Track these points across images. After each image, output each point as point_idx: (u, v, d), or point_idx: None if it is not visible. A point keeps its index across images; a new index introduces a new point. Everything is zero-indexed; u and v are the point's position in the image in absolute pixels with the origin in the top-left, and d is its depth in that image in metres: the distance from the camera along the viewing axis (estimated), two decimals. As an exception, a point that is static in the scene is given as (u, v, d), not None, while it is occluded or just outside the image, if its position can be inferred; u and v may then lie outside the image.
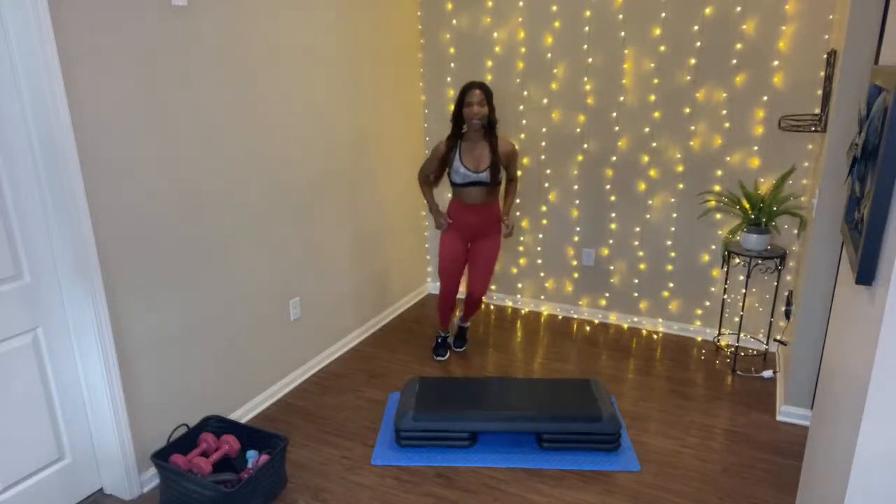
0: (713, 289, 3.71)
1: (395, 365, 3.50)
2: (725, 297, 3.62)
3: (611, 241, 3.91)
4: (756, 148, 3.39)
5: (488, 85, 3.16)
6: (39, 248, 2.15)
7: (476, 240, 3.38)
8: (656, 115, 3.57)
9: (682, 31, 3.40)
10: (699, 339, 3.81)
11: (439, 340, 3.62)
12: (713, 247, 3.64)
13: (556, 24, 3.68)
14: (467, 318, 3.69)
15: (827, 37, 3.10)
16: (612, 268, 3.96)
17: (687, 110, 3.50)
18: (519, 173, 4.01)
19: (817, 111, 3.18)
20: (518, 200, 4.10)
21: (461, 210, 3.31)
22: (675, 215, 3.68)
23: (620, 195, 3.80)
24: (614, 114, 3.68)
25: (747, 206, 3.26)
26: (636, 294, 3.94)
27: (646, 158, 3.67)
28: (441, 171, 3.32)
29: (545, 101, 3.84)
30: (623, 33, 3.54)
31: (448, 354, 3.60)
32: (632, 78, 3.58)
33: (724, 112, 3.41)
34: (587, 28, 3.61)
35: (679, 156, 3.59)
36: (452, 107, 3.24)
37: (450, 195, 3.38)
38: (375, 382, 3.31)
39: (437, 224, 3.38)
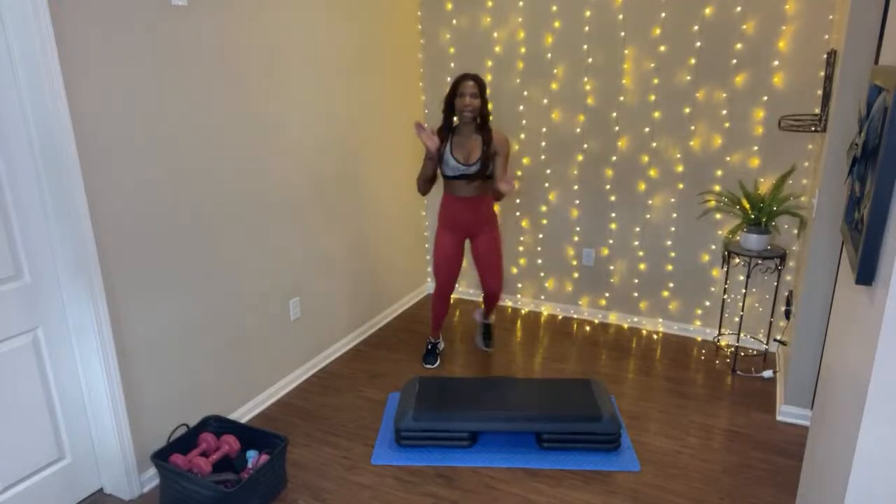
0: (713, 289, 3.71)
1: (395, 365, 3.50)
2: (725, 297, 3.62)
3: (611, 241, 3.91)
4: (756, 148, 3.39)
5: (482, 78, 3.08)
6: (39, 248, 2.15)
7: (473, 236, 3.34)
8: (656, 115, 3.57)
9: (682, 31, 3.40)
10: (699, 339, 3.81)
11: (429, 347, 3.56)
12: (713, 247, 3.64)
13: (556, 24, 3.68)
14: (489, 314, 3.63)
15: (827, 37, 3.10)
16: (612, 268, 3.96)
17: (687, 110, 3.50)
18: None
19: (817, 111, 3.18)
20: (518, 200, 4.09)
21: (453, 204, 3.25)
22: (675, 215, 3.68)
23: (620, 195, 3.80)
24: (614, 114, 3.68)
25: (747, 206, 3.26)
26: (636, 294, 3.94)
27: (646, 158, 3.67)
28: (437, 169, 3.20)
29: (545, 101, 3.84)
30: (623, 33, 3.54)
31: (438, 362, 3.53)
32: (632, 78, 3.58)
33: (724, 112, 3.41)
34: (587, 28, 3.61)
35: (679, 156, 3.59)
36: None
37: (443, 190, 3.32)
38: (375, 382, 3.31)
39: (428, 146, 3.00)
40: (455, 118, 3.15)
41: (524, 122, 3.93)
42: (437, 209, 3.37)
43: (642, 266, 3.87)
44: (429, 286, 4.59)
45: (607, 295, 4.03)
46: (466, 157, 3.14)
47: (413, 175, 4.25)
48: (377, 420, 2.97)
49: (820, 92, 3.17)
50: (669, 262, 3.78)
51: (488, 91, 3.93)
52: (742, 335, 3.69)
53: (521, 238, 4.17)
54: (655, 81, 3.53)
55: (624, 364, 3.51)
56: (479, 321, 3.71)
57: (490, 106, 3.18)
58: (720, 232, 3.60)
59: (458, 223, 3.29)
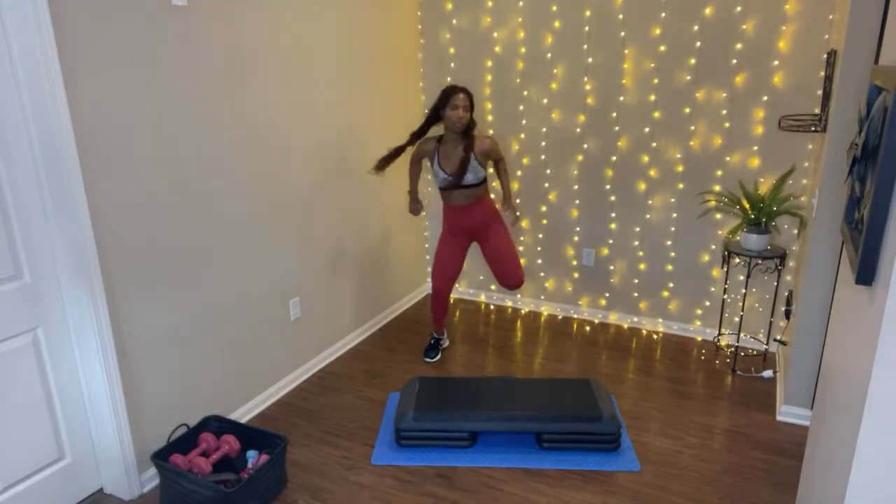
0: (713, 289, 3.71)
1: (395, 365, 3.50)
2: (725, 297, 3.62)
3: (611, 241, 3.91)
4: (756, 148, 3.39)
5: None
6: (39, 248, 2.15)
7: (481, 237, 3.35)
8: (656, 115, 3.57)
9: (682, 31, 3.40)
10: (699, 339, 3.81)
11: (431, 342, 3.60)
12: (713, 247, 3.64)
13: (556, 24, 3.68)
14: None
15: (827, 37, 3.10)
16: (612, 268, 3.96)
17: (687, 110, 3.50)
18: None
19: (817, 111, 3.18)
20: (518, 200, 4.09)
21: (453, 213, 3.29)
22: (675, 215, 3.68)
23: (620, 195, 3.80)
24: (614, 114, 3.68)
25: (747, 206, 3.26)
26: (636, 294, 3.94)
27: (646, 158, 3.67)
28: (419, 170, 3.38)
29: (545, 101, 3.84)
30: (623, 33, 3.54)
31: (438, 356, 3.56)
32: (632, 78, 3.58)
33: (724, 112, 3.41)
34: (587, 28, 3.61)
35: (679, 156, 3.59)
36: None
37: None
38: (375, 382, 3.31)
39: (410, 208, 3.36)
40: (444, 127, 3.17)
41: (524, 122, 3.93)
42: (437, 211, 3.39)
43: (642, 266, 3.87)
44: (429, 286, 4.59)
45: (607, 295, 4.03)
46: (453, 168, 3.16)
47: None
48: (377, 420, 2.97)
49: (820, 92, 3.17)
50: (669, 262, 3.78)
51: (488, 91, 3.97)
52: (742, 335, 3.69)
53: (521, 238, 4.17)
54: (655, 81, 3.53)
55: (624, 364, 3.51)
56: None
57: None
58: (720, 232, 3.60)
59: (460, 228, 3.32)
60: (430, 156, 3.21)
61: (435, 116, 3.15)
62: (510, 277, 3.32)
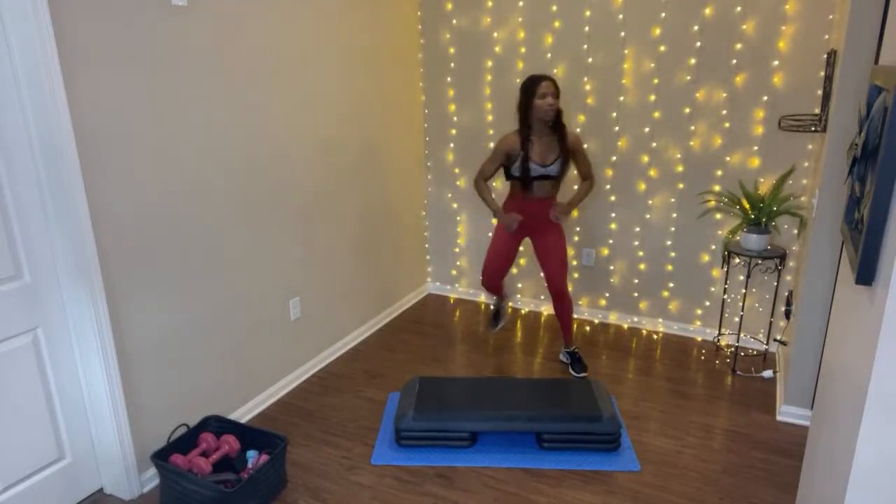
0: (713, 289, 3.71)
1: (395, 365, 3.50)
2: (725, 297, 3.62)
3: (611, 241, 3.91)
4: (756, 148, 3.39)
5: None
6: (39, 248, 2.15)
7: (537, 235, 3.26)
8: (656, 115, 3.57)
9: (682, 31, 3.40)
10: (699, 339, 3.81)
11: (493, 311, 3.73)
12: (713, 247, 3.64)
13: (556, 24, 3.68)
14: (569, 335, 3.43)
15: (827, 37, 3.10)
16: (612, 268, 3.96)
17: (687, 110, 3.50)
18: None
19: (817, 111, 3.18)
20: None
21: (523, 205, 3.19)
22: (675, 215, 3.68)
23: (620, 195, 3.80)
24: (614, 114, 3.68)
25: (747, 206, 3.26)
26: (636, 294, 3.94)
27: (646, 158, 3.67)
28: (499, 170, 3.20)
29: (545, 101, 3.83)
30: (623, 33, 3.54)
31: (501, 324, 3.72)
32: (632, 78, 3.58)
33: (724, 112, 3.41)
34: (587, 28, 3.61)
35: (679, 156, 3.59)
36: (519, 102, 3.09)
37: (500, 190, 3.35)
38: (375, 382, 3.31)
39: (507, 226, 3.16)
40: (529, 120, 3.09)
41: (524, 122, 3.92)
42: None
43: (642, 266, 3.86)
44: (429, 286, 4.59)
45: (607, 295, 4.03)
46: (543, 158, 3.09)
47: (413, 173, 4.24)
48: (377, 420, 2.97)
49: (820, 92, 3.17)
50: (669, 262, 3.78)
51: (488, 91, 3.97)
52: (742, 335, 3.69)
53: (521, 238, 4.17)
54: (655, 81, 3.53)
55: (624, 364, 3.50)
56: (565, 360, 3.49)
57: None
58: (720, 232, 3.60)
59: (525, 224, 3.24)
60: (516, 150, 3.08)
61: (528, 111, 3.05)
62: (553, 281, 3.24)
